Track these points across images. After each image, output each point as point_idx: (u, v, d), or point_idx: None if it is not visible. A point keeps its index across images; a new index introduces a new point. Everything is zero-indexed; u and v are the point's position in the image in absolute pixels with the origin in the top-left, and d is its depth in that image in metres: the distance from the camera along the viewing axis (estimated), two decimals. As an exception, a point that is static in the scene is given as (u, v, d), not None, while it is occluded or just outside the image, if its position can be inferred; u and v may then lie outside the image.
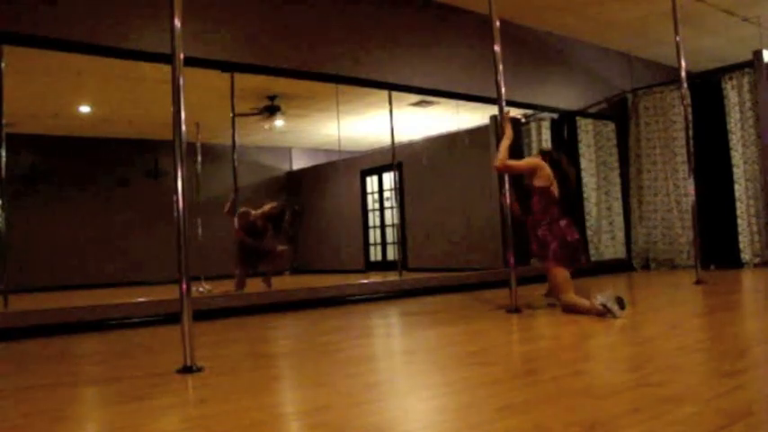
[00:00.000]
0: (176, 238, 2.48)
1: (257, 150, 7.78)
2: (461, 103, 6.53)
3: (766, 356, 2.32)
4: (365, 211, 8.28)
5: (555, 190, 3.88)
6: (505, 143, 3.91)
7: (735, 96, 6.83)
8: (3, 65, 3.99)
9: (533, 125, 7.40)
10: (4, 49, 3.99)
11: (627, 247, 7.75)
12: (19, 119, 5.14)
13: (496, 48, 4.04)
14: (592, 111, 7.69)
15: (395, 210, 7.29)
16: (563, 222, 3.81)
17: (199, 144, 6.39)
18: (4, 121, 4.00)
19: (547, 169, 3.86)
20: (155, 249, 6.42)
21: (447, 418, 1.68)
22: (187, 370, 2.37)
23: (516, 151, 5.68)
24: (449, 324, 3.70)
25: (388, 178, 7.84)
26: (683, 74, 5.39)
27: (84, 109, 6.39)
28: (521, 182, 4.09)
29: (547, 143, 7.28)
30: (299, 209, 8.20)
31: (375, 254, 8.12)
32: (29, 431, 1.71)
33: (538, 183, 3.84)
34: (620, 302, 3.37)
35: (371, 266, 8.07)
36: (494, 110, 5.17)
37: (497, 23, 4.06)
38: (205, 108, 5.88)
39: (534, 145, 7.34)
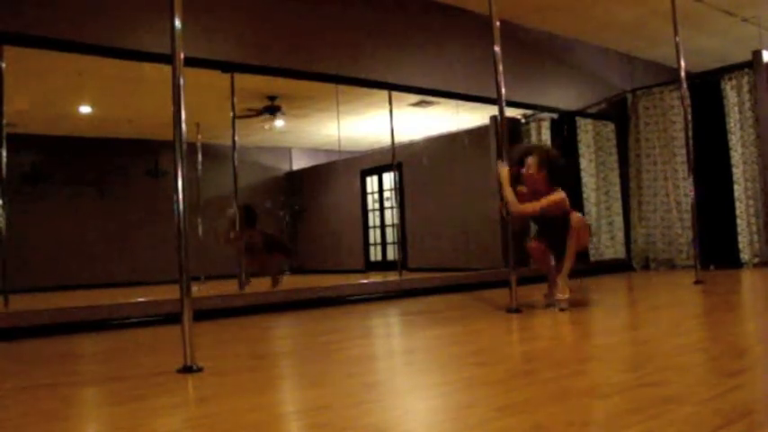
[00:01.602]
0: (176, 238, 2.48)
1: (257, 150, 7.78)
2: (461, 103, 6.53)
3: (766, 356, 2.32)
4: (365, 211, 8.29)
5: None
6: (508, 192, 3.93)
7: (734, 97, 6.84)
8: (3, 65, 3.99)
9: (533, 125, 7.40)
10: (4, 49, 3.99)
11: (626, 247, 7.75)
12: (19, 119, 5.14)
13: (496, 48, 4.04)
14: (592, 111, 7.69)
15: (395, 210, 7.29)
16: None
17: (199, 144, 6.40)
18: (4, 121, 4.00)
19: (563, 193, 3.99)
20: (155, 249, 6.42)
21: (447, 418, 1.68)
22: (187, 370, 2.37)
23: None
24: (449, 324, 3.70)
25: (388, 178, 7.84)
26: (683, 74, 5.39)
27: (85, 109, 6.39)
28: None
29: (547, 143, 7.27)
30: (299, 209, 8.20)
31: (375, 254, 8.13)
32: (29, 431, 1.71)
33: (567, 206, 3.97)
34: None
35: (371, 266, 8.08)
36: (494, 110, 5.17)
37: (497, 23, 4.07)
38: (205, 108, 5.88)
39: (534, 145, 7.34)
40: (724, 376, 1.94)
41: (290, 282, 6.16)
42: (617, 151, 7.80)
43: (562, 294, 3.87)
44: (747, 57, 6.82)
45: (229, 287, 5.22)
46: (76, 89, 5.78)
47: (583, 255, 5.70)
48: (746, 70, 6.78)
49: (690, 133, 5.47)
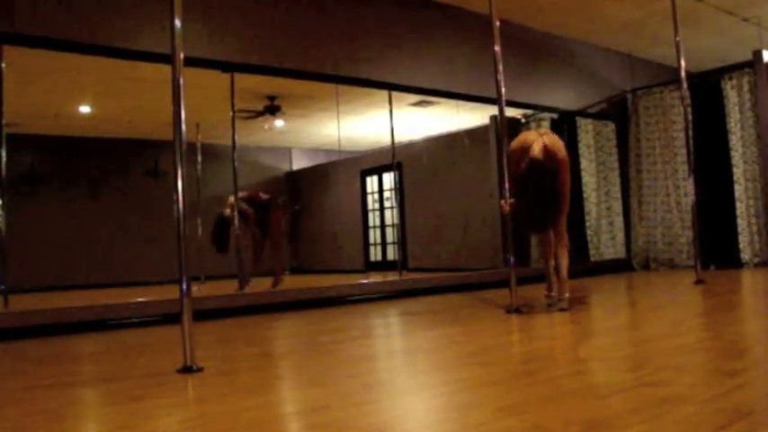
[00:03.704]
0: (176, 238, 2.48)
1: (257, 150, 7.78)
2: (461, 103, 6.53)
3: (766, 356, 2.32)
4: (365, 211, 8.28)
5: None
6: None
7: (735, 96, 6.83)
8: (3, 65, 3.99)
9: (533, 125, 7.39)
10: (4, 49, 3.99)
11: (627, 247, 7.75)
12: (19, 119, 5.14)
13: (496, 48, 4.04)
14: (592, 111, 7.69)
15: (395, 210, 7.29)
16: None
17: (199, 144, 6.40)
18: (4, 121, 4.00)
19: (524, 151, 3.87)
20: (155, 249, 6.42)
21: (447, 418, 1.68)
22: (187, 370, 2.37)
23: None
24: (449, 324, 3.70)
25: (388, 178, 7.84)
26: (683, 74, 5.39)
27: (84, 109, 6.39)
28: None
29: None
30: (299, 209, 8.20)
31: (375, 254, 8.12)
32: (29, 431, 1.71)
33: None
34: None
35: (371, 266, 8.07)
36: (494, 110, 5.18)
37: (497, 23, 4.07)
38: (205, 108, 5.88)
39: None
40: (724, 376, 1.94)
41: (290, 282, 6.16)
42: (617, 151, 7.80)
43: (562, 294, 3.87)
44: (747, 57, 6.82)
45: (229, 287, 5.22)
46: (76, 89, 5.78)
47: (582, 252, 5.68)
48: (747, 70, 6.78)
49: (690, 133, 5.47)
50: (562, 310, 3.79)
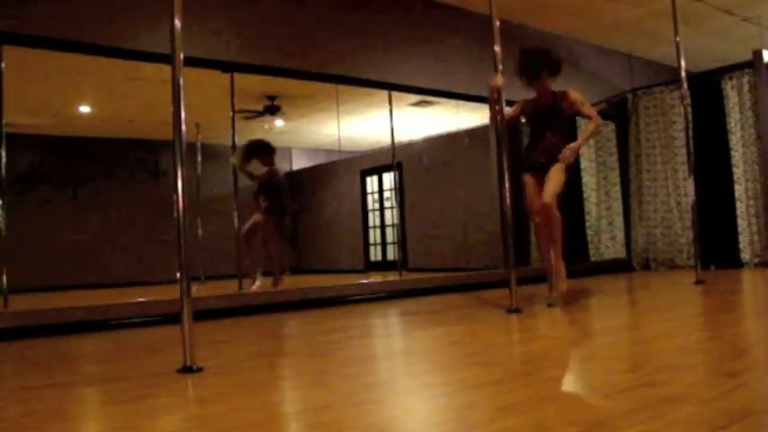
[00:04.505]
0: (176, 238, 2.48)
1: (257, 150, 7.77)
2: (461, 103, 6.54)
3: (766, 356, 2.32)
4: (365, 211, 8.29)
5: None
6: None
7: (735, 96, 6.83)
8: (3, 65, 3.99)
9: (533, 125, 7.39)
10: (4, 49, 3.99)
11: (627, 247, 7.75)
12: (19, 119, 5.15)
13: (496, 48, 4.04)
14: (592, 111, 7.68)
15: (395, 210, 7.29)
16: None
17: (199, 144, 6.40)
18: (4, 121, 4.00)
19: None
20: (155, 249, 6.42)
21: (447, 418, 1.68)
22: (187, 370, 2.37)
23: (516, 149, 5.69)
24: (449, 324, 3.70)
25: (388, 178, 7.84)
26: (683, 74, 5.39)
27: (84, 109, 6.39)
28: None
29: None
30: (299, 209, 8.21)
31: (375, 254, 8.13)
32: (29, 431, 1.71)
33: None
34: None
35: (371, 266, 8.08)
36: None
37: (497, 23, 4.07)
38: (205, 108, 5.88)
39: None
40: (725, 376, 1.94)
41: (290, 281, 6.16)
42: (617, 151, 7.81)
43: (558, 290, 3.87)
44: (747, 56, 6.81)
45: (229, 287, 5.23)
46: (76, 89, 5.78)
47: (582, 252, 5.72)
48: (747, 70, 6.78)
49: (690, 133, 5.47)
50: (550, 305, 3.83)
